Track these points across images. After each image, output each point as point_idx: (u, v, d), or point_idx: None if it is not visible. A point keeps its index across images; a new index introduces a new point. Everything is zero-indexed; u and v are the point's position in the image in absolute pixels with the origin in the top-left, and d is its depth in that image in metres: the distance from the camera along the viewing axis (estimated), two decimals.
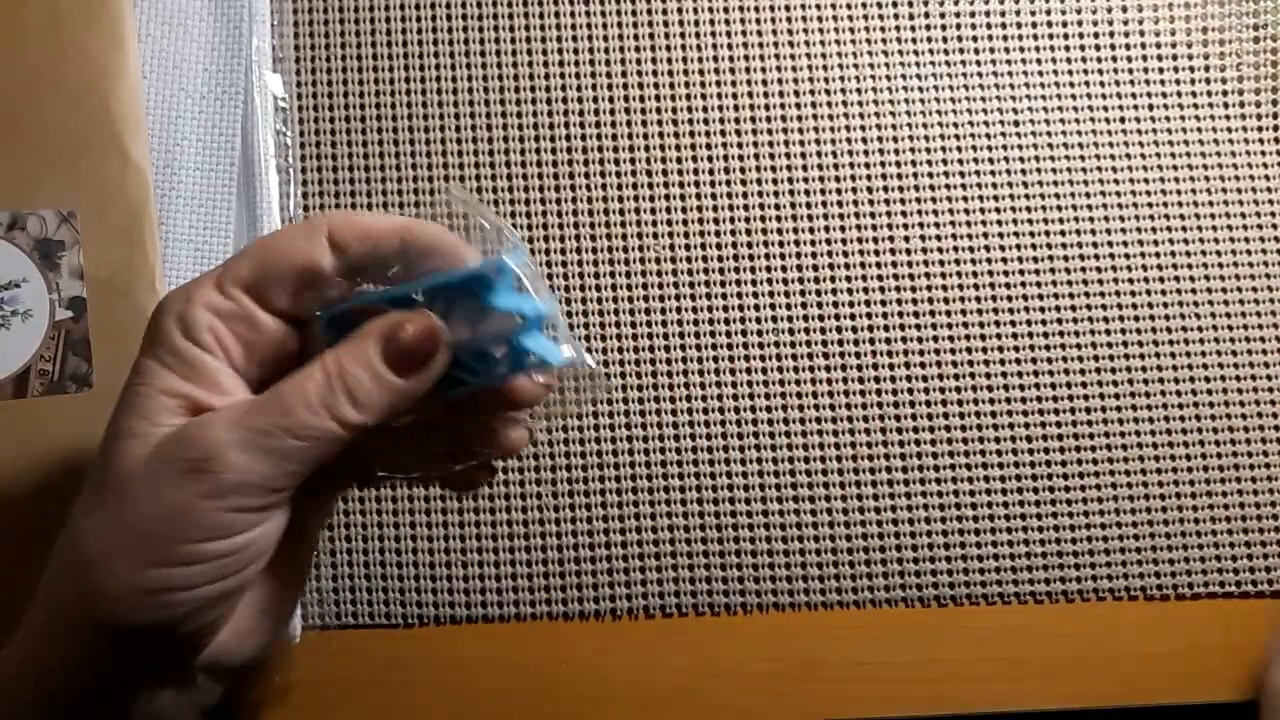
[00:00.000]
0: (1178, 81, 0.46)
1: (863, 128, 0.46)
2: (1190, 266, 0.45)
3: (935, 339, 0.45)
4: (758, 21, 0.46)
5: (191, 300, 0.30)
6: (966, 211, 0.45)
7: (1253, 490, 0.44)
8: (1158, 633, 0.43)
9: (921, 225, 0.45)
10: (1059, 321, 0.45)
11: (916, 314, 0.45)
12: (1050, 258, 0.45)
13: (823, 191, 0.45)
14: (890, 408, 0.44)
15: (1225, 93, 0.46)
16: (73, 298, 0.40)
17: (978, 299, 0.45)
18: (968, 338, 0.45)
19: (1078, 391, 0.44)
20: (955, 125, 0.46)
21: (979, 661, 0.43)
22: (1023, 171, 0.46)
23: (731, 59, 0.46)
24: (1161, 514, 0.44)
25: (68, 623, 0.29)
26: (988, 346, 0.45)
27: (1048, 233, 0.45)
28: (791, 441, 0.44)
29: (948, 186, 0.46)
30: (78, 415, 0.39)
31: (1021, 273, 0.45)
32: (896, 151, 0.46)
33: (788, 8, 0.46)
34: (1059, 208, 0.45)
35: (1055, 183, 0.46)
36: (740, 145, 0.46)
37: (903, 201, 0.45)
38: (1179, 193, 0.46)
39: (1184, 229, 0.46)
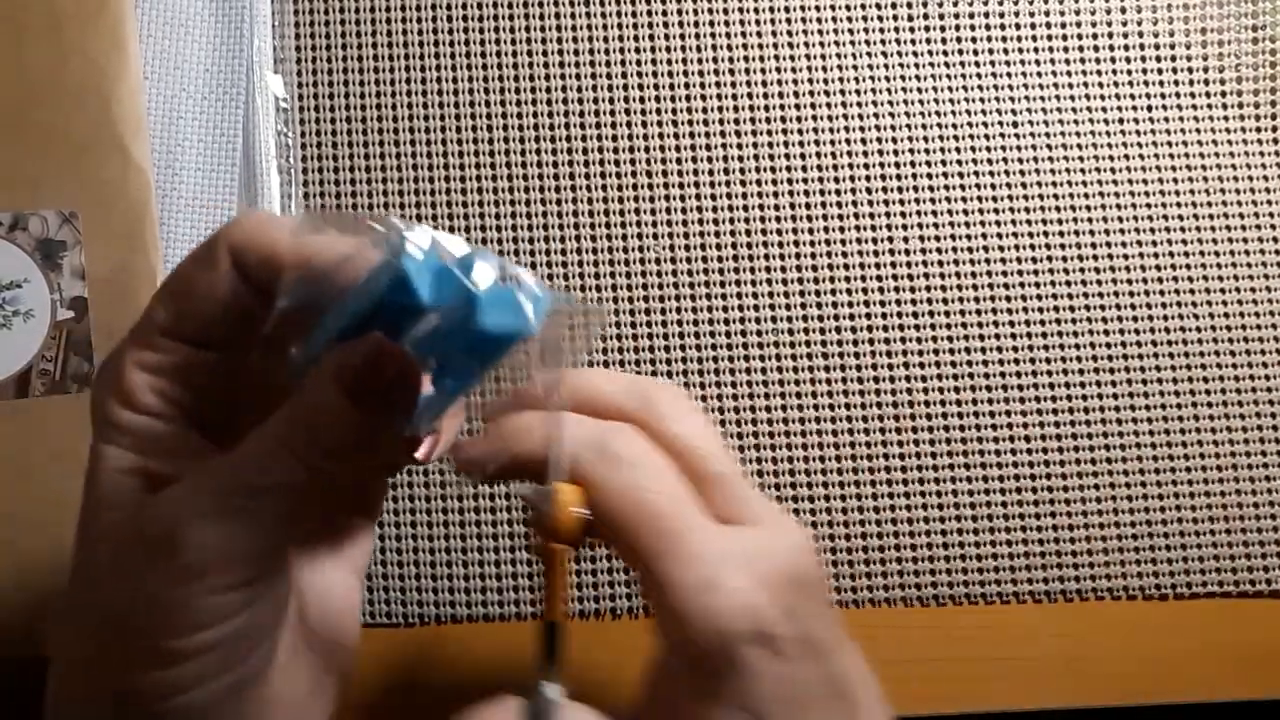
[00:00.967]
0: (1177, 82, 0.46)
1: (862, 128, 0.46)
2: (1190, 267, 0.45)
3: (935, 339, 0.45)
4: (758, 22, 0.46)
5: (120, 366, 0.27)
6: (966, 212, 0.45)
7: (1252, 490, 0.44)
8: (1158, 633, 0.43)
9: (921, 225, 0.45)
10: (1059, 322, 0.45)
11: (916, 314, 0.45)
12: (1050, 258, 0.45)
13: (822, 192, 0.45)
14: (890, 408, 0.44)
15: (1224, 93, 0.46)
16: (74, 298, 0.40)
17: (977, 299, 0.45)
18: (967, 338, 0.45)
19: (1077, 391, 0.44)
20: (955, 125, 0.46)
21: (979, 661, 0.43)
22: (1022, 172, 0.46)
23: (731, 59, 0.46)
24: (1161, 514, 0.44)
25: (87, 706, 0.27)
26: (987, 347, 0.45)
27: (1047, 233, 0.45)
28: (791, 441, 0.44)
29: (947, 187, 0.46)
30: (79, 415, 0.39)
31: (1021, 273, 0.45)
32: (896, 152, 0.46)
33: (788, 8, 0.46)
34: (1059, 208, 0.46)
35: (1055, 183, 0.46)
36: (740, 145, 0.46)
37: (902, 202, 0.45)
38: (1178, 193, 0.46)
39: (1183, 229, 0.46)
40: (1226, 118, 0.46)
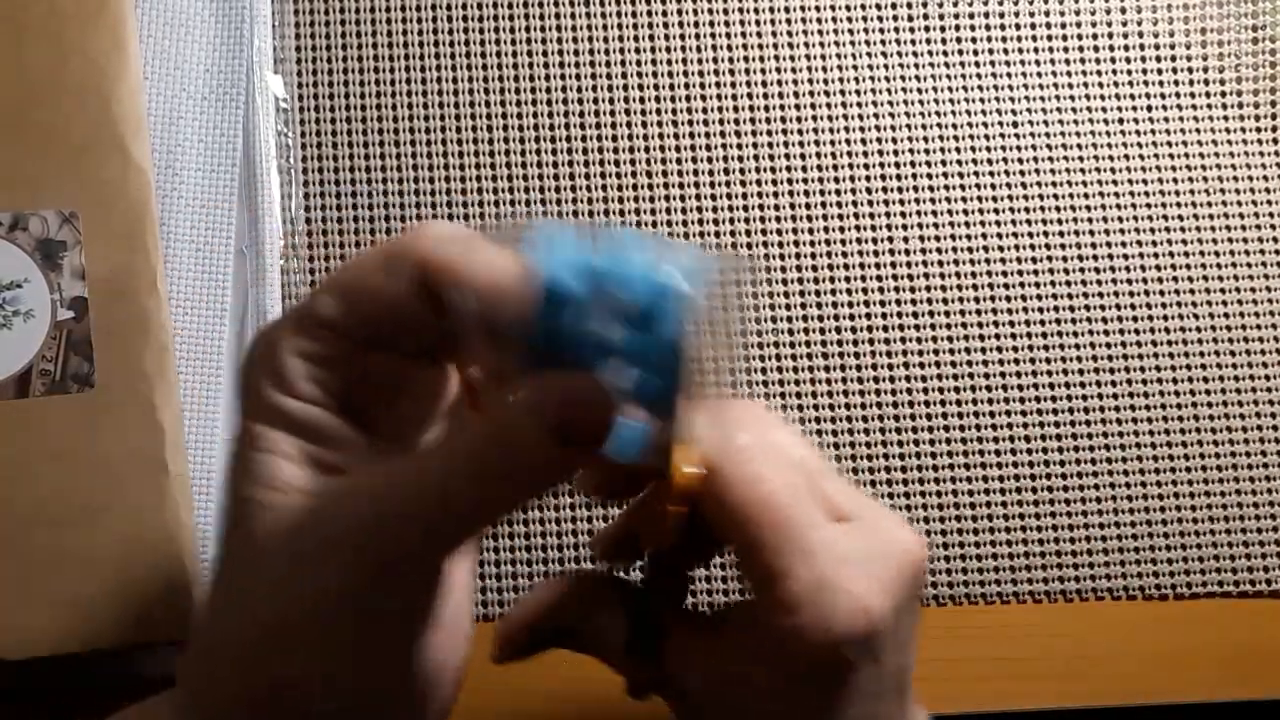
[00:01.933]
0: (1177, 82, 0.46)
1: (862, 128, 0.46)
2: (1189, 267, 0.45)
3: (935, 339, 0.45)
4: (758, 22, 0.46)
5: (277, 351, 0.26)
6: (966, 212, 0.45)
7: (1252, 490, 0.44)
8: (1158, 633, 0.43)
9: (921, 225, 0.45)
10: (1058, 322, 0.45)
11: (916, 314, 0.45)
12: (1050, 258, 0.45)
13: (823, 192, 0.45)
14: (890, 408, 0.44)
15: (1224, 93, 0.46)
16: (74, 298, 0.40)
17: (977, 299, 0.45)
18: (967, 338, 0.45)
19: (1077, 391, 0.44)
20: (955, 125, 0.46)
21: (979, 661, 0.43)
22: (1022, 172, 0.46)
23: (731, 60, 0.46)
24: (1161, 514, 0.44)
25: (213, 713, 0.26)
26: (987, 347, 0.45)
27: (1047, 233, 0.45)
28: None
29: (947, 187, 0.46)
30: (80, 415, 0.39)
31: (1021, 273, 0.45)
32: (896, 152, 0.46)
33: (788, 8, 0.46)
34: (1058, 208, 0.46)
35: (1055, 183, 0.46)
36: (740, 145, 0.46)
37: (902, 202, 0.45)
38: (1178, 193, 0.46)
39: (1183, 229, 0.46)
40: (1226, 118, 0.46)
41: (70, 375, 0.40)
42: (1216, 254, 0.45)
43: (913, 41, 0.46)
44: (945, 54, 0.46)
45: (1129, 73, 0.47)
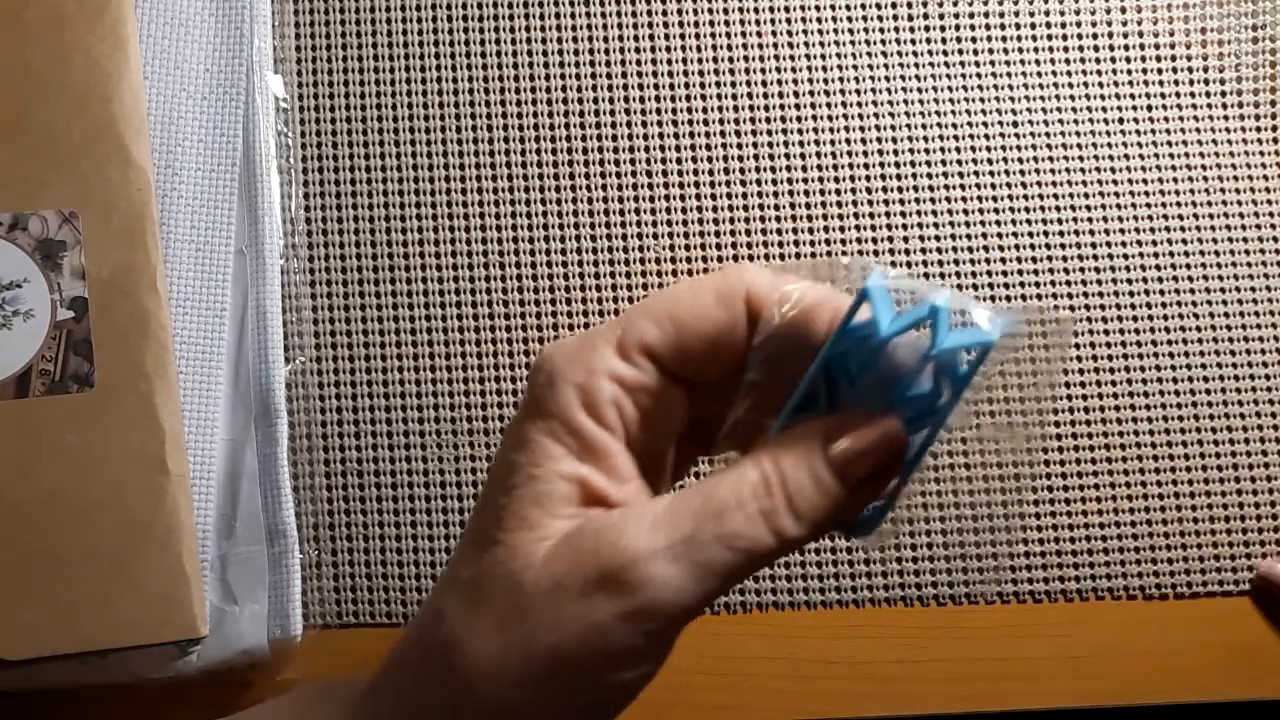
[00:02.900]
0: (1177, 82, 0.46)
1: (862, 128, 0.46)
2: (1190, 266, 0.45)
3: None
4: (758, 22, 0.46)
5: (594, 369, 0.26)
6: (966, 212, 0.45)
7: (1252, 490, 0.44)
8: (1158, 633, 0.43)
9: (921, 225, 0.45)
10: None
11: None
12: (1050, 258, 0.45)
13: (823, 192, 0.45)
14: None
15: (1224, 93, 0.46)
16: (74, 298, 0.40)
17: (977, 299, 0.45)
18: None
19: (1077, 391, 0.44)
20: (955, 125, 0.46)
21: (979, 661, 0.43)
22: (1022, 172, 0.46)
23: (731, 60, 0.46)
24: (1161, 514, 0.44)
25: None
26: None
27: (1047, 233, 0.45)
28: None
29: (947, 187, 0.46)
30: (80, 415, 0.39)
31: (1021, 273, 0.45)
32: (896, 152, 0.46)
33: (787, 8, 0.46)
34: (1058, 208, 0.46)
35: (1054, 183, 0.46)
36: (740, 145, 0.46)
37: (902, 202, 0.45)
38: (1178, 193, 0.46)
39: (1183, 229, 0.46)
40: (1226, 118, 0.46)
41: (70, 375, 0.40)
42: (1216, 254, 0.45)
43: (913, 41, 0.46)
44: (945, 54, 0.46)
45: (1129, 73, 0.47)
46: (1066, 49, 0.47)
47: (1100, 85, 0.46)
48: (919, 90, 0.46)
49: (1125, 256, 0.45)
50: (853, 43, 0.46)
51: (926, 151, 0.46)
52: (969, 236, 0.45)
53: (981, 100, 0.46)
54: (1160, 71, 0.47)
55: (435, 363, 0.44)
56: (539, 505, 0.25)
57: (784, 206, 0.45)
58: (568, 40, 0.46)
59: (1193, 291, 0.45)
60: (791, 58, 0.46)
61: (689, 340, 0.26)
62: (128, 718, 0.42)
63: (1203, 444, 0.44)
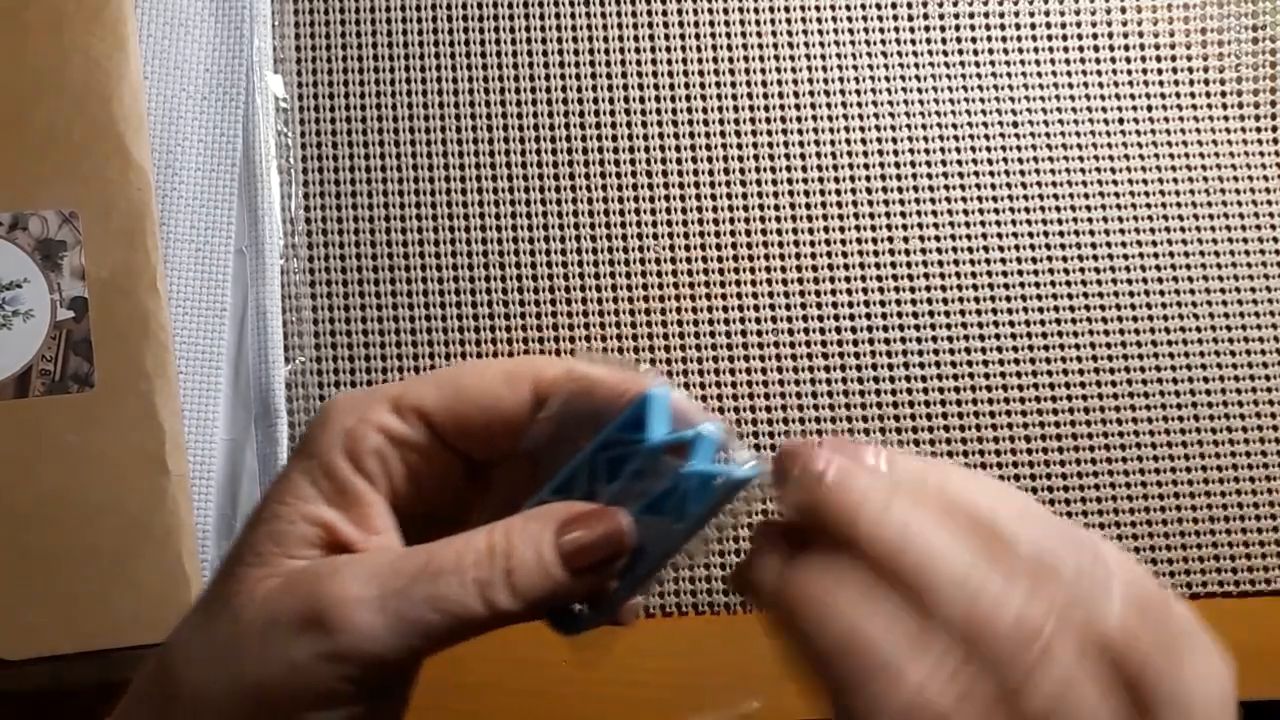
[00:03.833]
0: (1177, 82, 0.46)
1: (862, 128, 0.46)
2: (1189, 267, 0.45)
3: (935, 339, 0.45)
4: (758, 22, 0.46)
5: (363, 419, 0.26)
6: (966, 212, 0.45)
7: (1252, 490, 0.44)
8: None
9: (921, 225, 0.45)
10: (1059, 321, 0.45)
11: (916, 314, 0.45)
12: (1050, 258, 0.45)
13: (823, 192, 0.46)
14: (890, 408, 0.44)
15: (1224, 93, 0.46)
16: (74, 298, 0.40)
17: (977, 299, 0.45)
18: (967, 338, 0.45)
19: (1077, 391, 0.44)
20: (955, 126, 0.46)
21: None
22: (1022, 172, 0.46)
23: (731, 60, 0.46)
24: (1161, 514, 0.44)
25: None
26: (987, 346, 0.45)
27: (1047, 233, 0.45)
28: None
29: (947, 187, 0.46)
30: (79, 415, 0.39)
31: (1021, 273, 0.45)
32: (896, 152, 0.46)
33: (787, 9, 0.46)
34: (1058, 208, 0.46)
35: (1054, 183, 0.46)
36: (740, 145, 0.46)
37: (902, 202, 0.45)
38: (1178, 193, 0.46)
39: (1183, 229, 0.46)
40: (1226, 118, 0.46)
41: (70, 375, 0.40)
42: (1216, 254, 0.45)
43: (913, 41, 0.46)
44: (945, 54, 0.46)
45: (1129, 73, 0.47)
46: (1066, 49, 0.47)
47: (1100, 85, 0.46)
48: (919, 90, 0.46)
49: (1125, 256, 0.45)
50: (853, 43, 0.46)
51: (926, 151, 0.46)
52: (969, 236, 0.45)
53: (981, 100, 0.46)
54: (1160, 71, 0.47)
55: (435, 363, 0.44)
56: (276, 543, 0.25)
57: (784, 206, 0.45)
58: (568, 40, 0.46)
59: (1193, 292, 0.45)
60: (791, 58, 0.46)
61: (467, 410, 0.27)
62: None
63: (1203, 444, 0.44)
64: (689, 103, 0.46)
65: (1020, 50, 0.47)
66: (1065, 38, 0.47)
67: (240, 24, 0.44)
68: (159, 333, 0.40)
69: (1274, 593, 0.43)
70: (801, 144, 0.46)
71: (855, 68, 0.46)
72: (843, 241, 0.45)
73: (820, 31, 0.46)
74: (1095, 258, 0.45)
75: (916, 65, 0.46)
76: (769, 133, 0.46)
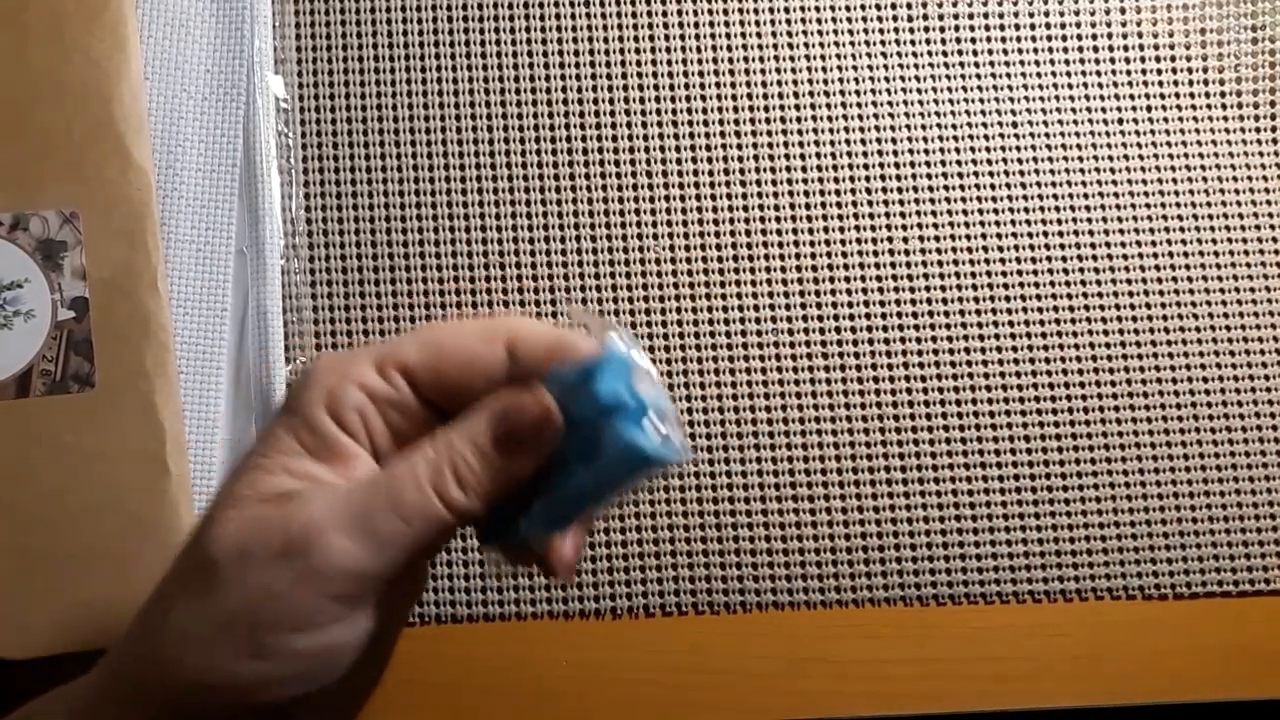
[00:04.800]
0: (1176, 83, 0.46)
1: (862, 128, 0.46)
2: (1189, 267, 0.45)
3: (935, 339, 0.45)
4: (758, 23, 0.46)
5: (345, 376, 0.28)
6: (966, 212, 0.45)
7: (1252, 490, 0.44)
8: (1158, 633, 0.43)
9: (921, 226, 0.45)
10: (1058, 321, 0.45)
11: (916, 314, 0.45)
12: (1049, 258, 0.45)
13: (822, 192, 0.46)
14: (890, 408, 0.44)
15: (1224, 94, 0.46)
16: (75, 298, 0.40)
17: (977, 299, 0.45)
18: (967, 338, 0.45)
19: (1077, 391, 0.44)
20: (954, 126, 0.46)
21: (979, 661, 0.43)
22: (1021, 172, 0.46)
23: (731, 60, 0.46)
24: (1161, 514, 0.44)
25: (136, 698, 0.27)
26: (987, 346, 0.45)
27: (1047, 233, 0.45)
28: (791, 441, 0.44)
29: (947, 187, 0.46)
30: (80, 415, 0.39)
31: (1021, 273, 0.45)
32: (896, 152, 0.46)
33: (787, 9, 0.46)
34: (1058, 209, 0.46)
35: (1054, 183, 0.46)
36: (740, 146, 0.46)
37: (902, 202, 0.45)
38: (1178, 194, 0.46)
39: (1183, 230, 0.46)
40: (1226, 118, 0.46)
41: (70, 375, 0.40)
42: (1216, 254, 0.46)
43: (913, 41, 0.46)
44: (945, 54, 0.46)
45: (1129, 73, 0.47)
46: (1066, 49, 0.47)
47: (1100, 85, 0.46)
48: (919, 90, 0.46)
49: (1125, 256, 0.45)
50: (853, 43, 0.46)
51: (926, 151, 0.46)
52: (969, 237, 0.45)
53: (981, 100, 0.46)
54: (1160, 72, 0.47)
55: None
56: (253, 488, 0.27)
57: (784, 206, 0.45)
58: (568, 40, 0.46)
59: (1193, 292, 0.45)
60: (791, 58, 0.46)
61: (446, 367, 0.28)
62: None
63: (1202, 444, 0.44)
64: (689, 103, 0.46)
65: (1020, 50, 0.47)
66: (1065, 38, 0.47)
67: (241, 24, 0.44)
68: (159, 333, 0.40)
69: (1274, 593, 0.43)
70: (801, 144, 0.46)
71: (855, 68, 0.46)
72: (843, 241, 0.45)
73: (820, 32, 0.46)
74: (1095, 258, 0.45)
75: (916, 65, 0.46)
76: (769, 133, 0.46)
